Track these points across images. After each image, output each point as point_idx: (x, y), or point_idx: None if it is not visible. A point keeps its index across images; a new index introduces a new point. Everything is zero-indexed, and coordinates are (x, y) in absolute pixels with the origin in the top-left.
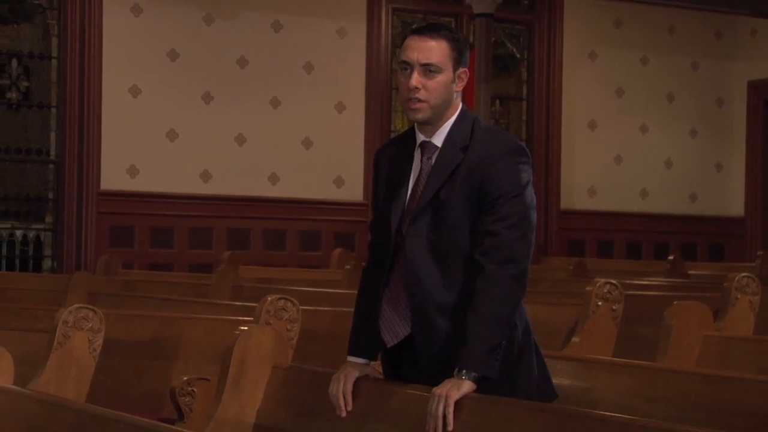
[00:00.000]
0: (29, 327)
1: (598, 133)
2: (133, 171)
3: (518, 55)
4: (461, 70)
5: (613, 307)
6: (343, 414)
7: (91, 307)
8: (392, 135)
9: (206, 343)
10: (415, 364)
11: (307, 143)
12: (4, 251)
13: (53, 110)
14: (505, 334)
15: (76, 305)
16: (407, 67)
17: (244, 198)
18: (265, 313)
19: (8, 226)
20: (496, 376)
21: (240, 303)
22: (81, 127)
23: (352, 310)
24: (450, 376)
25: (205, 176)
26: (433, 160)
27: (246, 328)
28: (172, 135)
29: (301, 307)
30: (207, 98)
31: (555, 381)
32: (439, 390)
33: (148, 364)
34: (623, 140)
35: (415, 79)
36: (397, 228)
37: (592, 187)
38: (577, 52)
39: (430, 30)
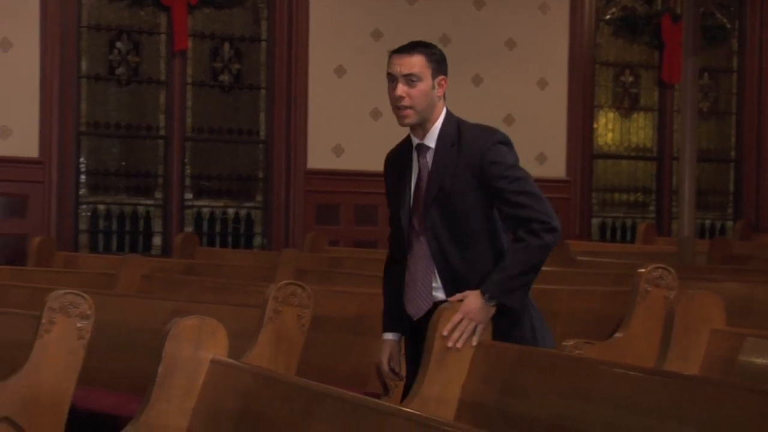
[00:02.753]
0: (242, 302)
1: None
2: (338, 150)
3: (728, 26)
4: (440, 77)
5: None
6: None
7: (299, 283)
8: (594, 111)
9: None
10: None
11: (509, 120)
12: (217, 228)
13: (262, 92)
14: (533, 275)
15: (285, 281)
16: (393, 79)
17: None
18: None
19: (221, 204)
20: (518, 306)
21: None
22: (288, 107)
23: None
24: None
25: None
26: (429, 159)
27: (447, 304)
28: (375, 114)
29: None
30: None
31: (765, 361)
32: (463, 307)
33: (353, 340)
34: None
35: (400, 89)
36: (408, 222)
37: None
38: None
39: (408, 48)
